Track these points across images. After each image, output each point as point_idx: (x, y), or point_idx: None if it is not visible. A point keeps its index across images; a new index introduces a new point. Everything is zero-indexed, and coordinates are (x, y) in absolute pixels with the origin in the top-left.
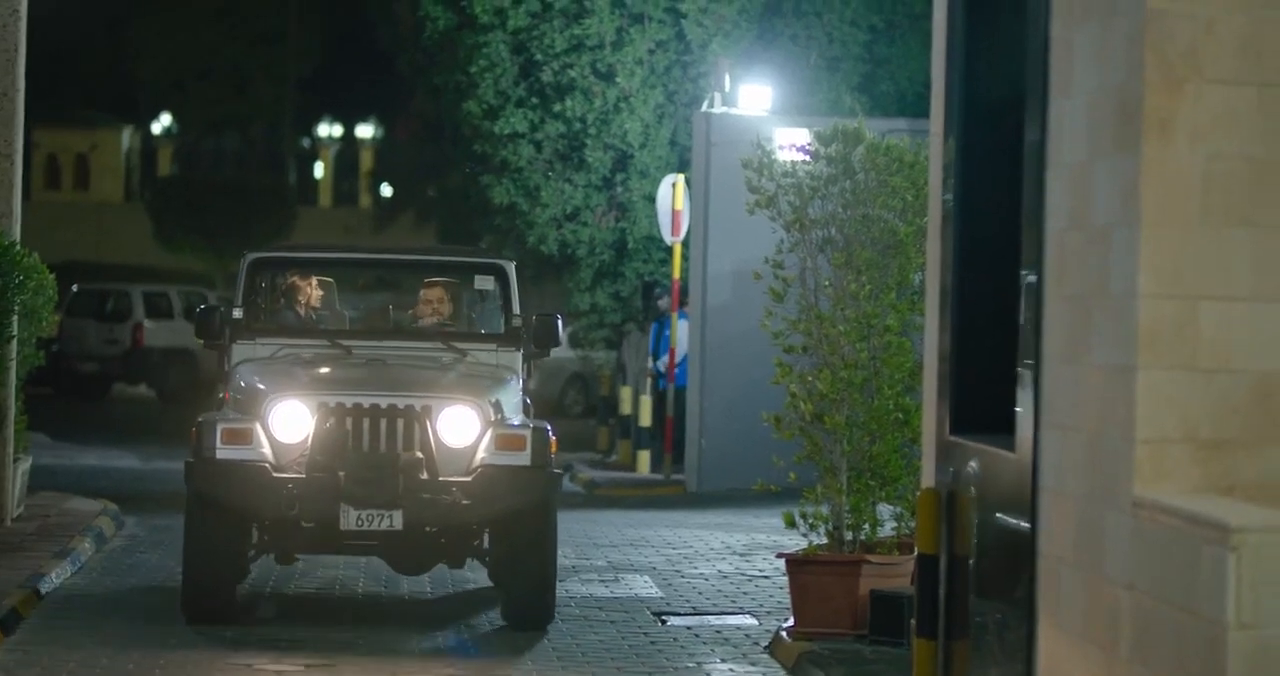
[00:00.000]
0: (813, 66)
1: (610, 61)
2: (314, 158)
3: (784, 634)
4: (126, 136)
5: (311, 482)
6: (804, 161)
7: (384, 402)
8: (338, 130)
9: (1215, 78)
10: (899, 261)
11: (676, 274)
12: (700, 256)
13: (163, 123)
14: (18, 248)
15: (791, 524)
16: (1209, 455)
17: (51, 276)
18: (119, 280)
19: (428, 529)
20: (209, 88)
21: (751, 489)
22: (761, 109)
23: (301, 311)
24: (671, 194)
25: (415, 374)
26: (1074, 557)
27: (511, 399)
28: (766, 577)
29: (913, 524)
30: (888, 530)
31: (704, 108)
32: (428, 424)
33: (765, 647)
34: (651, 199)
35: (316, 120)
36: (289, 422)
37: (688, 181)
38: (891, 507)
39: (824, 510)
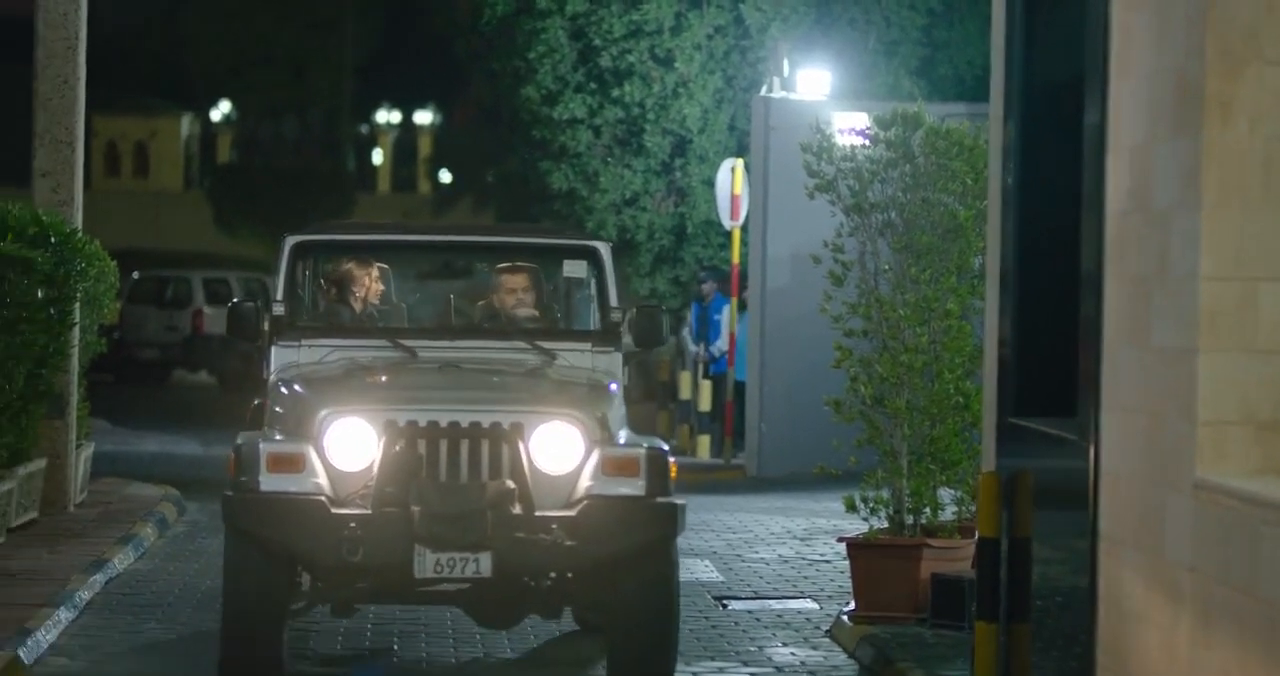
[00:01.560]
0: (871, 51)
1: (669, 46)
2: (372, 144)
3: (845, 618)
4: (186, 124)
5: (379, 520)
6: (863, 145)
7: (466, 419)
8: (396, 116)
9: (1276, 59)
10: (959, 245)
11: (736, 258)
12: (759, 241)
13: (222, 110)
14: (80, 235)
15: (852, 507)
16: (1269, 436)
17: (113, 263)
18: (179, 267)
19: (521, 576)
20: (267, 74)
21: (812, 473)
22: (820, 93)
23: (356, 306)
24: (730, 178)
25: (502, 382)
26: (1134, 540)
27: (617, 411)
28: (827, 562)
29: (973, 507)
30: (948, 514)
31: (763, 92)
32: (520, 445)
33: (826, 631)
34: (710, 184)
35: (375, 106)
36: (350, 445)
37: (746, 166)
38: (952, 492)
39: (884, 494)
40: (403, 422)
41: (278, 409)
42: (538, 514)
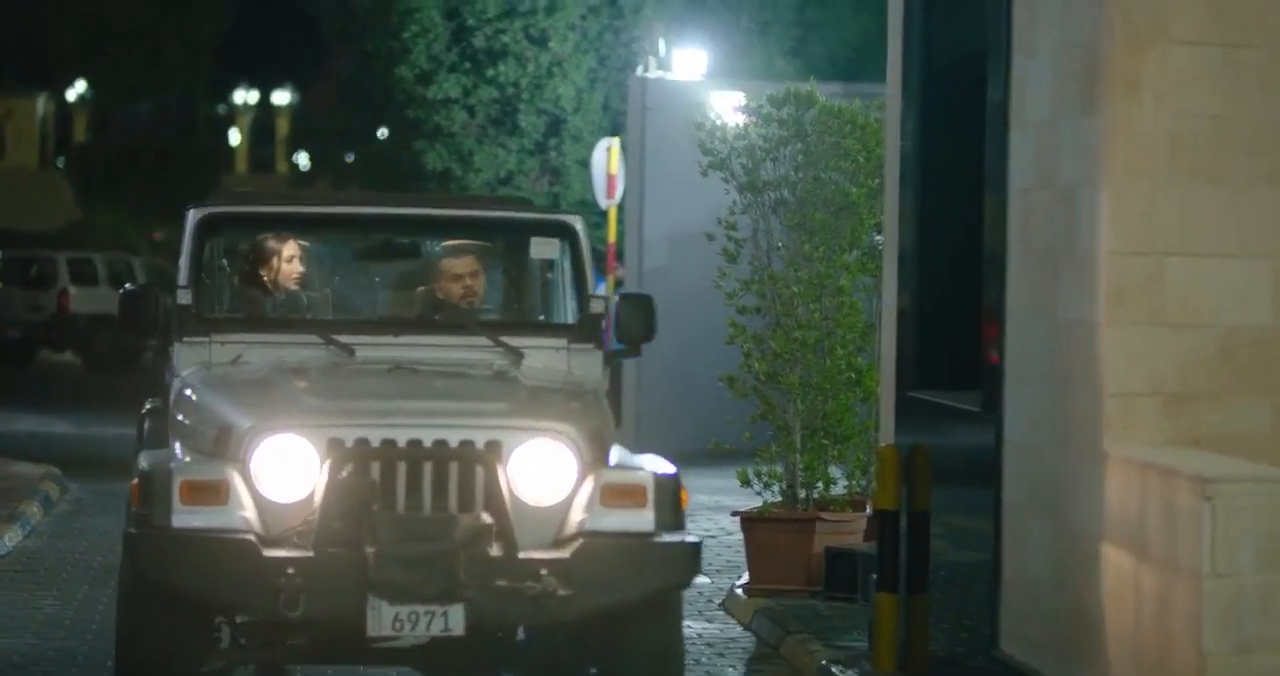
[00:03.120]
0: (744, 30)
1: (543, 26)
2: (229, 124)
3: (739, 590)
4: (41, 103)
5: (323, 565)
6: (754, 123)
7: (429, 437)
8: (254, 96)
9: (1181, 38)
10: (851, 222)
11: (611, 238)
12: (636, 220)
13: (77, 89)
14: None
15: (746, 482)
16: (1176, 408)
17: None
18: (42, 246)
19: (499, 633)
20: (123, 53)
21: (692, 450)
22: (697, 73)
23: (276, 293)
24: (606, 158)
25: (471, 389)
26: (1040, 510)
27: (609, 425)
28: (714, 537)
29: (864, 482)
30: (840, 488)
31: (638, 72)
32: (497, 469)
33: (720, 604)
34: (585, 163)
35: (232, 86)
36: (285, 470)
37: (622, 145)
38: (842, 466)
39: (778, 468)
40: (351, 441)
41: (187, 422)
42: (521, 555)
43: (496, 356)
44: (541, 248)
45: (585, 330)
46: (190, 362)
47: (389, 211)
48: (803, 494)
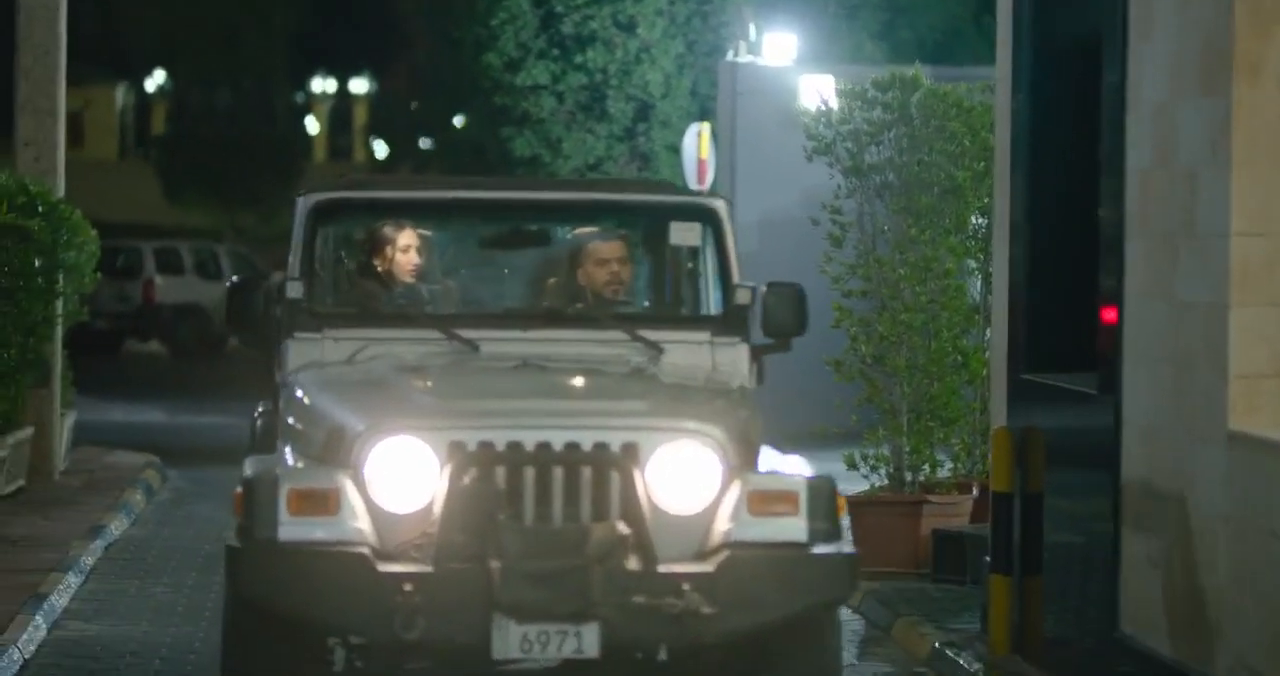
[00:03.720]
0: (832, 15)
1: (631, 12)
2: (307, 112)
3: None
4: (120, 94)
5: (444, 581)
6: (859, 107)
7: (560, 440)
8: (331, 85)
9: None
10: (956, 205)
11: None
12: None
13: (156, 80)
14: (64, 204)
15: (853, 465)
16: None
17: (94, 233)
18: (128, 236)
19: (637, 655)
20: (201, 42)
21: (808, 432)
22: (787, 58)
23: (397, 286)
24: (697, 143)
25: (606, 387)
26: (1162, 491)
27: (757, 425)
28: None
29: (969, 464)
30: (945, 471)
31: (728, 57)
32: (635, 475)
33: None
34: (674, 149)
35: (310, 74)
36: (402, 477)
37: (713, 131)
38: (948, 448)
39: (885, 451)
40: (474, 445)
41: (297, 425)
42: (661, 569)
43: (633, 351)
44: (682, 233)
45: (730, 322)
46: (301, 360)
47: (517, 196)
48: (909, 477)
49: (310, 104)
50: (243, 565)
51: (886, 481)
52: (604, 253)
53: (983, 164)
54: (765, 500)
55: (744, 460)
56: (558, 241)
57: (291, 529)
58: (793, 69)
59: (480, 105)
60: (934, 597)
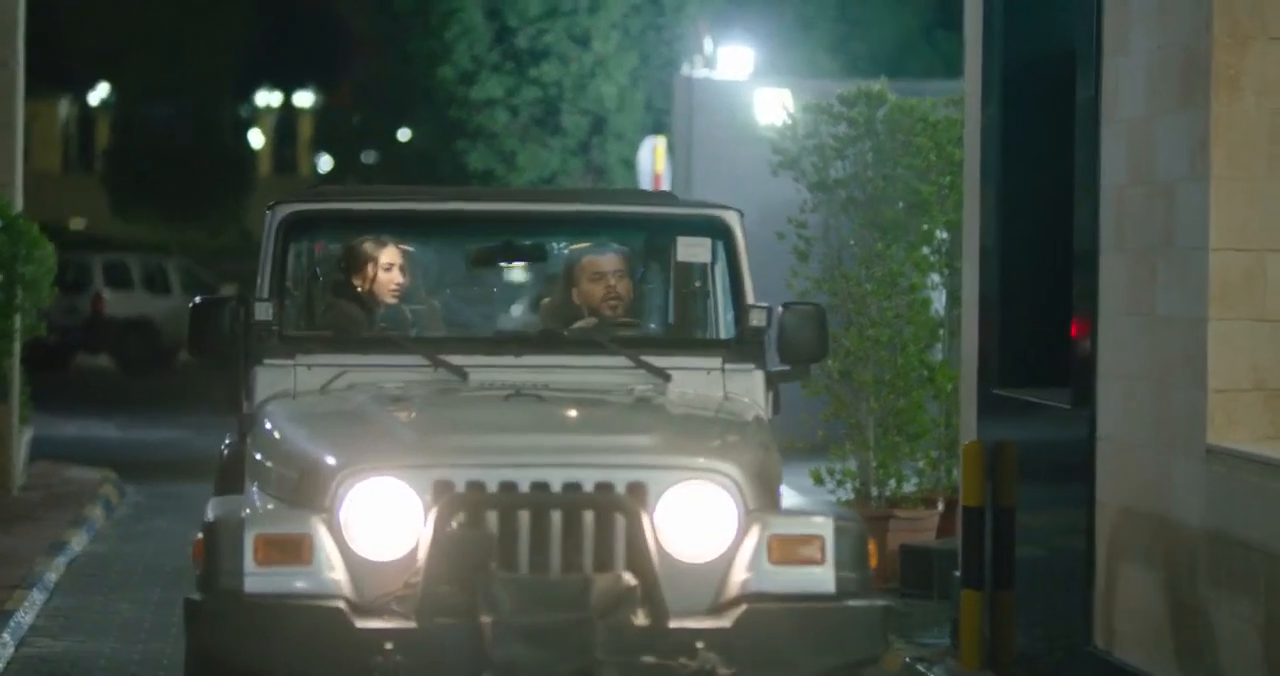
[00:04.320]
0: (786, 28)
1: (585, 25)
2: (252, 125)
3: None
4: (63, 107)
5: (430, 638)
6: (824, 121)
7: (559, 479)
8: (276, 98)
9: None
10: (922, 220)
11: None
12: None
13: (99, 93)
14: (22, 219)
15: (819, 480)
16: (1278, 403)
17: (51, 247)
18: (76, 249)
19: None
20: (145, 55)
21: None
22: (742, 72)
23: (378, 308)
24: (653, 158)
25: (609, 420)
26: (1137, 506)
27: (775, 462)
28: None
29: (934, 478)
30: (911, 486)
31: (684, 71)
32: (643, 519)
33: None
34: (628, 163)
35: (255, 87)
36: (381, 522)
37: (669, 145)
38: (915, 463)
39: (851, 466)
40: (462, 485)
41: (265, 462)
42: (672, 625)
43: (637, 379)
44: (691, 249)
45: (744, 347)
46: (270, 389)
47: (509, 208)
48: (875, 492)
49: (255, 117)
50: (205, 620)
51: (853, 496)
52: (599, 266)
53: (948, 178)
54: (787, 546)
55: (763, 501)
56: (553, 259)
57: (259, 580)
58: (749, 83)
59: (431, 119)
60: (902, 612)
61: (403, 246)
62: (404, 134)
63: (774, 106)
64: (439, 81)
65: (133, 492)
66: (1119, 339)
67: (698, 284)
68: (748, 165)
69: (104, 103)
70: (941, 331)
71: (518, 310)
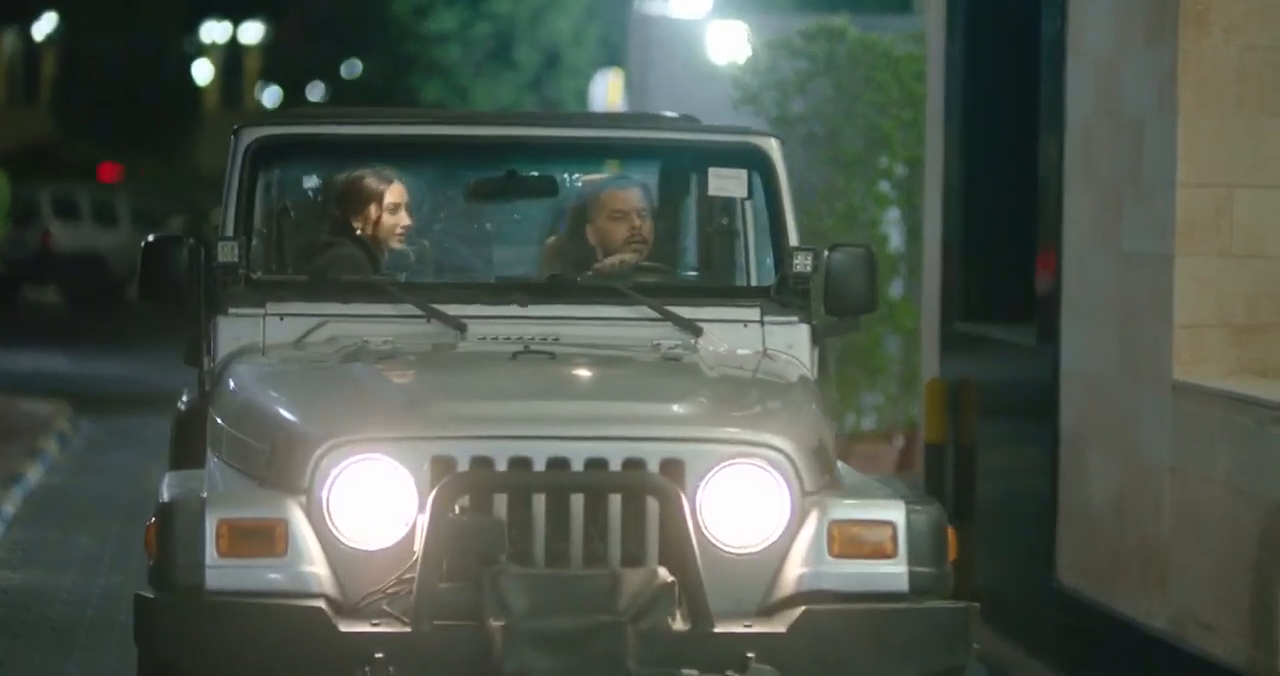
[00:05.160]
0: None
1: None
2: (199, 57)
3: None
4: (8, 39)
5: (428, 645)
6: (786, 55)
7: (580, 454)
8: (224, 30)
9: None
10: (882, 155)
11: None
12: None
13: (45, 26)
14: None
15: None
16: (1244, 339)
17: (5, 177)
18: (24, 182)
19: None
20: None
21: None
22: (700, 7)
23: (382, 253)
24: (607, 92)
25: (633, 383)
26: (1102, 441)
27: (831, 435)
28: None
29: (895, 414)
30: (870, 421)
31: (637, 6)
32: (681, 503)
33: None
34: (582, 97)
35: (203, 20)
36: (370, 505)
37: (626, 81)
38: (873, 398)
39: None
40: (465, 462)
41: (232, 431)
42: (718, 630)
43: (661, 333)
44: (724, 182)
45: (787, 296)
46: (235, 343)
47: (516, 133)
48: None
49: (202, 50)
50: (158, 621)
51: None
52: (621, 202)
53: (909, 113)
54: (852, 535)
55: (821, 481)
56: (564, 193)
57: (223, 574)
58: (705, 19)
59: (383, 52)
60: None
61: (403, 183)
62: (351, 68)
63: (732, 42)
64: (392, 15)
65: (87, 426)
66: (1084, 275)
67: (724, 221)
68: (706, 101)
69: (49, 36)
70: (900, 267)
71: (517, 252)
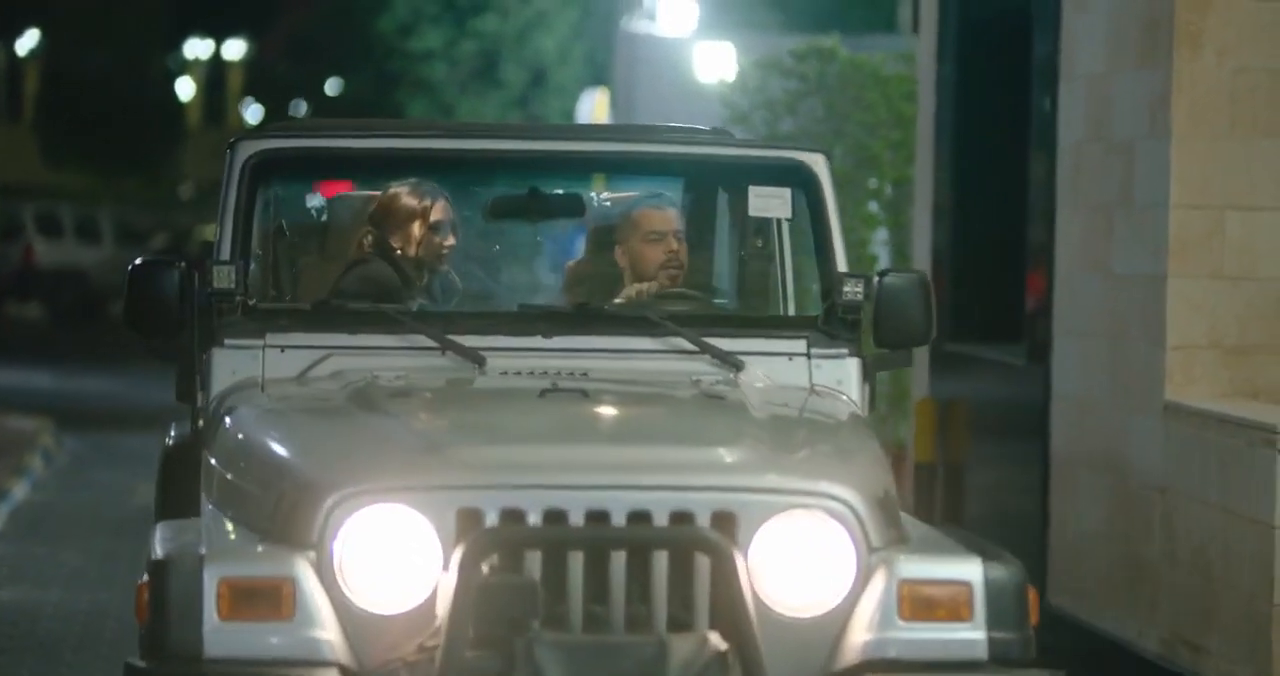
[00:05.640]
0: None
1: None
2: (182, 74)
3: None
4: None
5: None
6: (776, 75)
7: (621, 506)
8: (207, 47)
9: None
10: (871, 175)
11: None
12: None
13: (28, 42)
14: None
15: None
16: (1235, 360)
17: None
18: (7, 197)
19: None
20: (75, 4)
21: None
22: (684, 27)
23: (420, 276)
24: (593, 110)
25: (679, 426)
26: (1093, 462)
27: (893, 483)
28: None
29: (884, 434)
30: None
31: (624, 25)
32: (735, 562)
33: None
34: (569, 116)
35: (184, 37)
36: (388, 563)
37: (612, 99)
38: None
39: None
40: (494, 514)
41: (229, 476)
42: None
43: (700, 367)
44: (766, 201)
45: (835, 327)
46: (232, 377)
47: (540, 148)
48: None
49: (185, 67)
50: None
51: None
52: (659, 223)
53: (898, 134)
54: (924, 596)
55: (887, 535)
56: (592, 213)
57: (224, 639)
58: (691, 38)
59: (368, 70)
60: None
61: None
62: (333, 85)
63: (718, 61)
64: (377, 33)
65: (71, 442)
66: (1075, 295)
67: (758, 244)
68: (693, 120)
69: (32, 51)
70: None
71: (545, 277)
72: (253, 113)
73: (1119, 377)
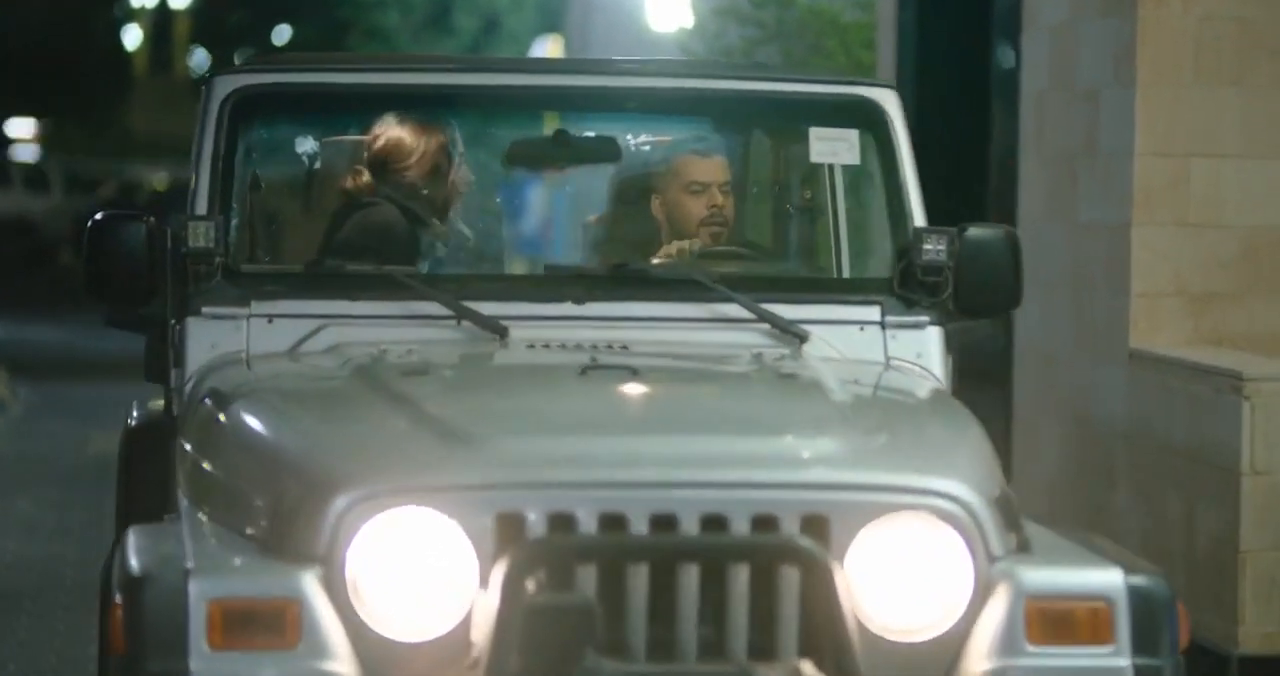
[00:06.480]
0: None
1: None
2: (127, 22)
3: None
4: None
5: None
6: (735, 22)
7: (691, 509)
8: None
9: None
10: None
11: None
12: None
13: None
14: None
15: None
16: (1199, 308)
17: None
18: None
19: None
20: None
21: None
22: None
23: (433, 220)
24: (547, 55)
25: (752, 412)
26: (1056, 411)
27: (1004, 479)
28: None
29: None
30: None
31: None
32: (830, 575)
33: None
34: None
35: None
36: (412, 580)
37: (566, 46)
38: None
39: None
40: (539, 520)
41: (214, 472)
42: None
43: (757, 338)
44: (830, 145)
45: (914, 291)
46: (210, 351)
47: (572, 83)
48: None
49: (131, 15)
50: None
51: None
52: (703, 172)
53: None
54: (1055, 615)
55: (1009, 542)
56: (626, 159)
57: (216, 672)
58: None
59: (317, 17)
60: None
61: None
62: (282, 32)
63: (675, 7)
64: None
65: (25, 393)
66: (1038, 245)
67: (807, 196)
68: None
69: None
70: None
71: (576, 232)
72: (198, 60)
73: (1083, 326)
